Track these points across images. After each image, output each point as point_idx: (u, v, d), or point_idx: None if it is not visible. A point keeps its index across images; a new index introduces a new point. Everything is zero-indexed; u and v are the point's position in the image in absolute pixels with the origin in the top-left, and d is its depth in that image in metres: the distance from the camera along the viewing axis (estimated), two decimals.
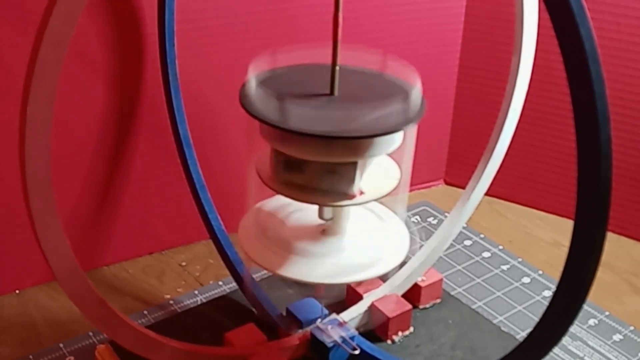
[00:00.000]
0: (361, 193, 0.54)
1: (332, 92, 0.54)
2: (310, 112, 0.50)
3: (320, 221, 0.59)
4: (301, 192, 0.54)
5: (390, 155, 0.56)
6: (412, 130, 0.53)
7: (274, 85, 0.53)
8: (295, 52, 0.57)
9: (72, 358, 0.70)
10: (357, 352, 0.64)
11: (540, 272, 0.85)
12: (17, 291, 0.80)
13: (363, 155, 0.52)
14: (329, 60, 0.54)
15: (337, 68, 0.53)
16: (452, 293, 0.80)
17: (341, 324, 0.66)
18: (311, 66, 0.57)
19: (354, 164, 0.53)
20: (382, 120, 0.50)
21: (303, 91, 0.54)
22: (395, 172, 0.57)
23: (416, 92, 0.53)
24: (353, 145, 0.52)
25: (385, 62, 0.57)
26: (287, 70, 0.57)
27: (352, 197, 0.54)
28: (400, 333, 0.71)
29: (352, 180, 0.53)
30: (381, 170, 0.57)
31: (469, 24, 0.94)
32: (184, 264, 0.85)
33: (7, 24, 0.69)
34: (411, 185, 0.58)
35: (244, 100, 0.53)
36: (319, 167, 0.53)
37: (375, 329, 0.71)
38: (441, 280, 0.76)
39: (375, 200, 0.55)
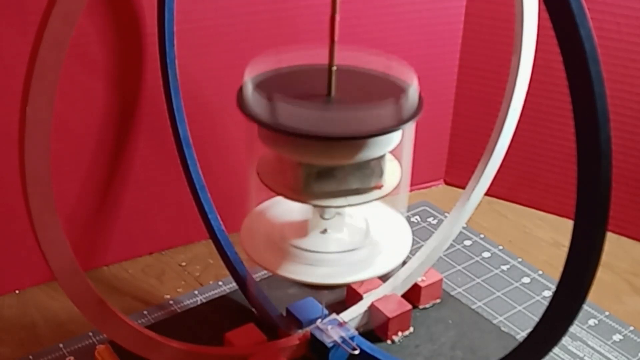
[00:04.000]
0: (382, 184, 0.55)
1: (328, 93, 0.54)
2: (333, 115, 0.50)
3: (320, 221, 0.59)
4: (334, 197, 0.54)
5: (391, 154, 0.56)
6: (411, 128, 0.54)
7: (272, 89, 0.53)
8: (291, 53, 0.57)
9: (72, 358, 0.70)
10: (357, 352, 0.64)
11: (540, 272, 0.85)
12: (17, 291, 0.80)
13: (390, 146, 0.53)
14: (327, 60, 0.54)
15: (334, 69, 0.53)
16: (452, 293, 0.80)
17: (341, 324, 0.66)
18: (308, 67, 0.57)
19: (383, 156, 0.54)
20: (402, 109, 0.51)
21: (302, 93, 0.54)
22: (394, 162, 0.58)
23: (415, 84, 0.53)
24: (384, 139, 0.52)
25: (382, 61, 0.57)
26: (283, 72, 0.57)
27: (380, 187, 0.55)
28: (400, 333, 0.71)
29: (381, 171, 0.55)
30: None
31: (469, 24, 0.94)
32: (184, 264, 0.85)
33: (7, 24, 0.69)
34: (411, 185, 0.58)
35: (251, 112, 0.52)
36: (350, 168, 0.53)
37: (375, 329, 0.71)
38: (441, 280, 0.76)
39: (398, 184, 0.56)
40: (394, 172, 0.57)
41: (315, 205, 0.55)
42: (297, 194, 0.54)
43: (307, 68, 0.57)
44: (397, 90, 0.52)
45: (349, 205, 0.55)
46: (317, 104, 0.52)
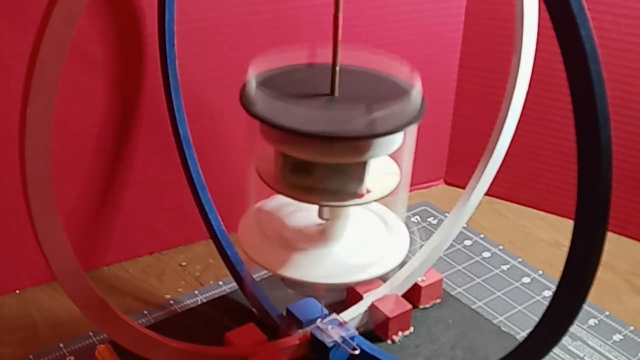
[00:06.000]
0: (367, 191, 0.55)
1: (332, 93, 0.54)
2: (317, 113, 0.50)
3: (320, 221, 0.59)
4: (309, 193, 0.54)
5: (390, 155, 0.56)
6: (413, 129, 0.54)
7: (276, 87, 0.53)
8: (295, 52, 0.57)
9: (72, 358, 0.70)
10: (357, 352, 0.64)
11: (540, 272, 0.85)
12: (17, 291, 0.80)
13: (372, 154, 0.53)
14: (329, 60, 0.54)
15: (338, 68, 0.53)
16: (452, 293, 0.80)
17: (341, 324, 0.66)
18: (311, 66, 0.57)
19: (364, 163, 0.53)
20: (390, 118, 0.51)
21: (305, 92, 0.54)
22: (394, 168, 0.57)
23: (417, 90, 0.53)
24: (363, 145, 0.52)
25: (385, 61, 0.57)
26: (288, 70, 0.57)
27: (360, 195, 0.54)
28: (400, 333, 0.71)
29: (361, 179, 0.54)
30: (381, 168, 0.57)
31: (469, 24, 0.94)
32: (184, 264, 0.85)
33: (7, 24, 0.69)
34: (411, 185, 0.57)
35: (247, 103, 0.52)
36: (328, 168, 0.53)
37: (375, 329, 0.71)
38: (441, 280, 0.76)
39: (383, 197, 0.56)
40: (382, 184, 0.56)
41: (289, 197, 0.55)
42: (275, 183, 0.55)
43: (310, 67, 0.57)
44: (397, 94, 0.52)
45: (320, 204, 0.55)
46: (299, 99, 0.52)
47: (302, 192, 0.54)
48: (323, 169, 0.53)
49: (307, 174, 0.53)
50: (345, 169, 0.53)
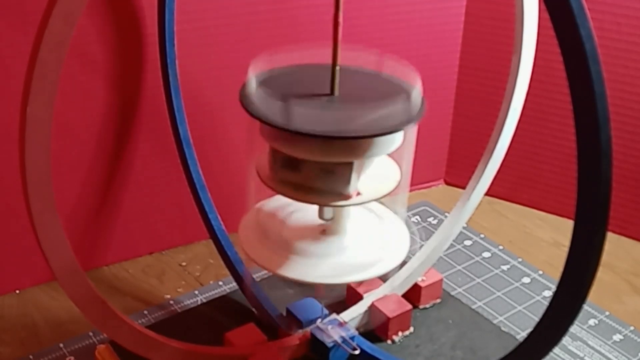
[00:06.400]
0: (358, 194, 0.54)
1: (332, 92, 0.54)
2: (309, 112, 0.50)
3: (321, 221, 0.59)
4: (298, 191, 0.54)
5: (390, 155, 0.56)
6: (412, 130, 0.53)
7: (274, 85, 0.53)
8: (295, 52, 0.57)
9: (72, 358, 0.70)
10: (357, 352, 0.64)
11: (540, 272, 0.85)
12: (17, 291, 0.80)
13: (360, 156, 0.52)
14: (329, 60, 0.54)
15: (337, 68, 0.53)
16: (452, 293, 0.80)
17: (341, 324, 0.66)
18: (311, 66, 0.57)
19: (350, 165, 0.53)
20: (380, 120, 0.50)
21: (303, 91, 0.54)
22: (395, 173, 0.57)
23: (416, 92, 0.53)
24: (350, 146, 0.52)
25: (385, 62, 0.57)
26: (287, 70, 0.57)
27: (348, 197, 0.54)
28: (400, 333, 0.71)
29: (348, 180, 0.53)
30: (381, 171, 0.57)
31: (469, 24, 0.94)
32: (184, 264, 0.85)
33: (7, 24, 0.69)
34: (411, 185, 0.57)
35: (243, 99, 0.53)
36: (315, 167, 0.53)
37: (376, 329, 0.71)
38: (441, 280, 0.76)
39: (372, 201, 0.55)
40: (376, 187, 0.56)
41: (279, 193, 0.55)
42: (266, 178, 0.55)
43: (310, 67, 0.57)
44: (397, 94, 0.52)
45: (306, 202, 0.55)
46: (298, 99, 0.52)
47: (292, 189, 0.54)
48: (311, 167, 0.53)
49: (296, 171, 0.53)
50: (332, 169, 0.53)
